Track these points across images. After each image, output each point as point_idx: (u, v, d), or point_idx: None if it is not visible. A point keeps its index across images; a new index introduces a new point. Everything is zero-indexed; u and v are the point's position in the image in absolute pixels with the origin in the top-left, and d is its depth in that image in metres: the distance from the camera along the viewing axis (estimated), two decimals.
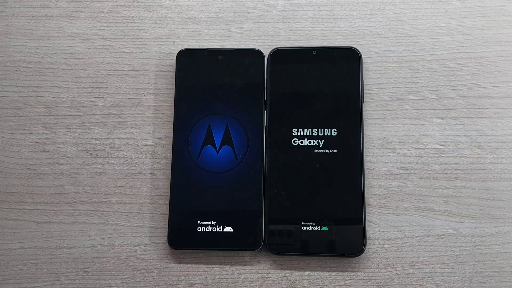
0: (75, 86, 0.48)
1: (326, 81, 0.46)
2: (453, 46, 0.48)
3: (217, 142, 0.46)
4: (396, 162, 0.46)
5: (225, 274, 0.45)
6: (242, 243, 0.44)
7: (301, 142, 0.45)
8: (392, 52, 0.48)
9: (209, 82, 0.47)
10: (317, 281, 0.44)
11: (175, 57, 0.47)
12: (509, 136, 0.46)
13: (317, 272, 0.44)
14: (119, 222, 0.46)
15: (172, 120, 0.47)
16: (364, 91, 0.47)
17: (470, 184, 0.45)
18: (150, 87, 0.48)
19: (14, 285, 0.45)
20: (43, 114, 0.48)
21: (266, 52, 0.47)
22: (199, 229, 0.44)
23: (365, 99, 0.47)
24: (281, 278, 0.44)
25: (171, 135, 0.46)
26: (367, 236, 0.44)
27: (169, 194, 0.45)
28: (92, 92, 0.48)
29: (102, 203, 0.46)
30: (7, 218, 0.46)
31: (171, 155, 0.46)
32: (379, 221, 0.45)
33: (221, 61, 0.47)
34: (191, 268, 0.45)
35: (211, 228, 0.44)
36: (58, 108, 0.48)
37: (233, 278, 0.44)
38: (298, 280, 0.44)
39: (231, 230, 0.44)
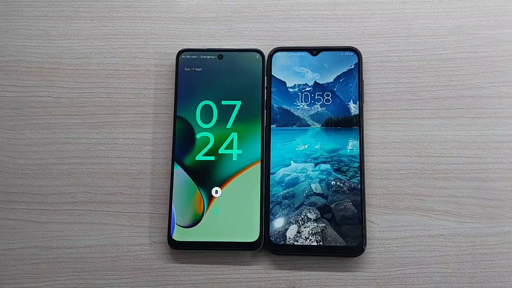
0: (75, 86, 0.48)
1: (326, 80, 0.46)
2: (453, 46, 0.48)
3: (217, 142, 0.46)
4: (396, 162, 0.46)
5: (225, 274, 0.45)
6: (242, 243, 0.44)
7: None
8: (392, 52, 0.48)
9: (209, 82, 0.47)
10: (317, 281, 0.44)
11: (175, 57, 0.47)
12: (509, 136, 0.46)
13: (317, 272, 0.44)
14: (119, 222, 0.46)
15: (172, 120, 0.47)
16: (364, 91, 0.47)
17: (470, 184, 0.45)
18: (150, 87, 0.48)
19: (14, 285, 0.45)
20: (43, 114, 0.48)
21: (266, 52, 0.47)
22: (199, 229, 0.44)
23: (365, 99, 0.47)
24: (281, 278, 0.44)
25: (171, 135, 0.46)
26: (367, 236, 0.44)
27: (169, 194, 0.45)
28: (92, 92, 0.48)
29: (102, 203, 0.46)
30: (7, 218, 0.46)
31: (171, 155, 0.46)
32: (379, 221, 0.45)
33: (221, 61, 0.47)
34: (191, 268, 0.45)
35: (211, 228, 0.44)
36: (58, 108, 0.48)
37: (233, 278, 0.45)
38: (298, 280, 0.44)
39: (231, 230, 0.44)
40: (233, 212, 0.44)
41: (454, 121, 0.46)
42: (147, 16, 0.50)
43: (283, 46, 0.48)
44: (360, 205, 0.44)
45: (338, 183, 0.45)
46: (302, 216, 0.44)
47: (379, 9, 0.49)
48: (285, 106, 0.46)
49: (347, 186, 0.44)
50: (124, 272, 0.45)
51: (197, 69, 0.47)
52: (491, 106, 0.46)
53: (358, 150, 0.45)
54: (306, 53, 0.47)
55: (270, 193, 0.45)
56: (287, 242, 0.44)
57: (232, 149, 0.46)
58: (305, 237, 0.44)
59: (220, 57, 0.47)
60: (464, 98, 0.47)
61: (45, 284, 0.45)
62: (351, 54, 0.47)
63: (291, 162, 0.45)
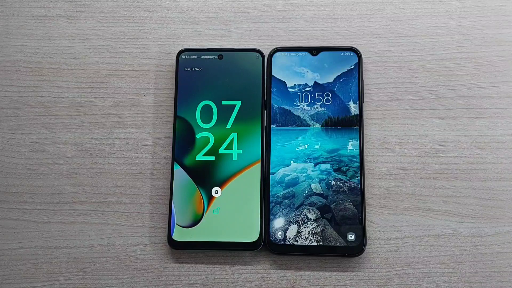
0: (75, 86, 0.48)
1: (326, 80, 0.46)
2: (453, 46, 0.48)
3: (217, 142, 0.46)
4: (396, 162, 0.46)
5: (225, 274, 0.45)
6: (242, 243, 0.44)
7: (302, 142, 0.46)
8: (392, 52, 0.48)
9: (209, 82, 0.47)
10: (317, 281, 0.44)
11: (175, 57, 0.47)
12: (509, 136, 0.46)
13: (317, 272, 0.44)
14: (119, 222, 0.46)
15: (172, 120, 0.47)
16: (364, 91, 0.47)
17: (470, 184, 0.45)
18: (150, 87, 0.48)
19: (14, 285, 0.45)
20: (43, 114, 0.48)
21: (266, 52, 0.47)
22: (199, 229, 0.44)
23: (365, 99, 0.47)
24: (281, 278, 0.44)
25: (171, 135, 0.46)
26: (367, 236, 0.44)
27: (169, 194, 0.45)
28: (92, 92, 0.48)
29: (102, 203, 0.46)
30: (7, 218, 0.46)
31: (171, 155, 0.46)
32: (379, 221, 0.45)
33: (221, 61, 0.47)
34: (191, 268, 0.45)
35: (211, 228, 0.44)
36: (58, 108, 0.48)
37: (233, 278, 0.44)
38: (298, 280, 0.44)
39: (231, 230, 0.44)
40: (233, 212, 0.44)
41: (454, 121, 0.46)
42: (147, 16, 0.50)
43: (283, 46, 0.48)
44: (360, 205, 0.44)
45: (338, 183, 0.45)
46: (302, 216, 0.44)
47: (379, 9, 0.49)
48: (285, 106, 0.46)
49: (347, 186, 0.44)
50: (124, 272, 0.45)
51: (197, 69, 0.47)
52: (491, 106, 0.46)
53: (358, 150, 0.45)
54: (306, 53, 0.47)
55: (270, 193, 0.45)
56: (287, 242, 0.44)
57: (232, 149, 0.46)
58: (305, 237, 0.44)
59: (220, 57, 0.47)
60: (464, 98, 0.47)
61: (45, 284, 0.45)
62: (351, 54, 0.47)
63: (291, 162, 0.45)
